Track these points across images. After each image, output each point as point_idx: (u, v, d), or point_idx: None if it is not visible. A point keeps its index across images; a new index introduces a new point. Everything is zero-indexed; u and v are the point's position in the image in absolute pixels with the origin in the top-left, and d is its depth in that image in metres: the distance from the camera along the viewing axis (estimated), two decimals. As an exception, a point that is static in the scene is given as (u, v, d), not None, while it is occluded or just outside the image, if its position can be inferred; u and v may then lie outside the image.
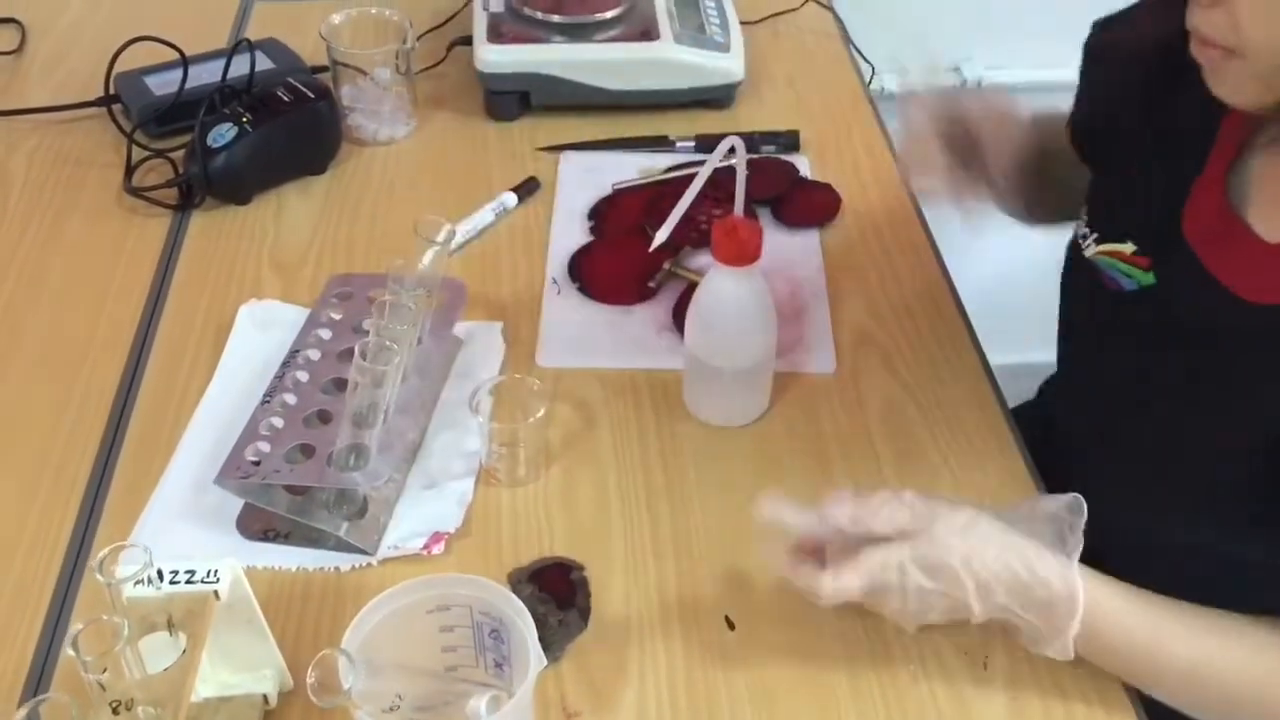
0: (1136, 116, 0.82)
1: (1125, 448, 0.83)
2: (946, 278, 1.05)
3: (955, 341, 0.98)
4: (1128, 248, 0.80)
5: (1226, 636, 0.72)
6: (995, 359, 0.97)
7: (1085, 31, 0.88)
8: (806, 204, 1.11)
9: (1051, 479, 0.88)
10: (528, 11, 1.20)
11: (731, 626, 0.77)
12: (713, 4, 1.27)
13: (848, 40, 1.36)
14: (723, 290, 0.85)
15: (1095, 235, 0.84)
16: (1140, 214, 0.80)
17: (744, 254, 0.83)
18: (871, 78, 1.43)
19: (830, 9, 1.39)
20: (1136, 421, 0.82)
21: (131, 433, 0.88)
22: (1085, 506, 0.70)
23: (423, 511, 0.82)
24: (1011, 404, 0.95)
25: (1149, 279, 0.79)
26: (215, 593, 0.63)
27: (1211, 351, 0.74)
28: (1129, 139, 0.83)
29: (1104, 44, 0.87)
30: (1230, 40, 0.66)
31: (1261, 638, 0.71)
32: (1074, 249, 0.87)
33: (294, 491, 0.80)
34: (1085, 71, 0.88)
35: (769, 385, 0.91)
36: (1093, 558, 0.70)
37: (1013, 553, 0.69)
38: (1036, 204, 0.95)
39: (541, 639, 0.65)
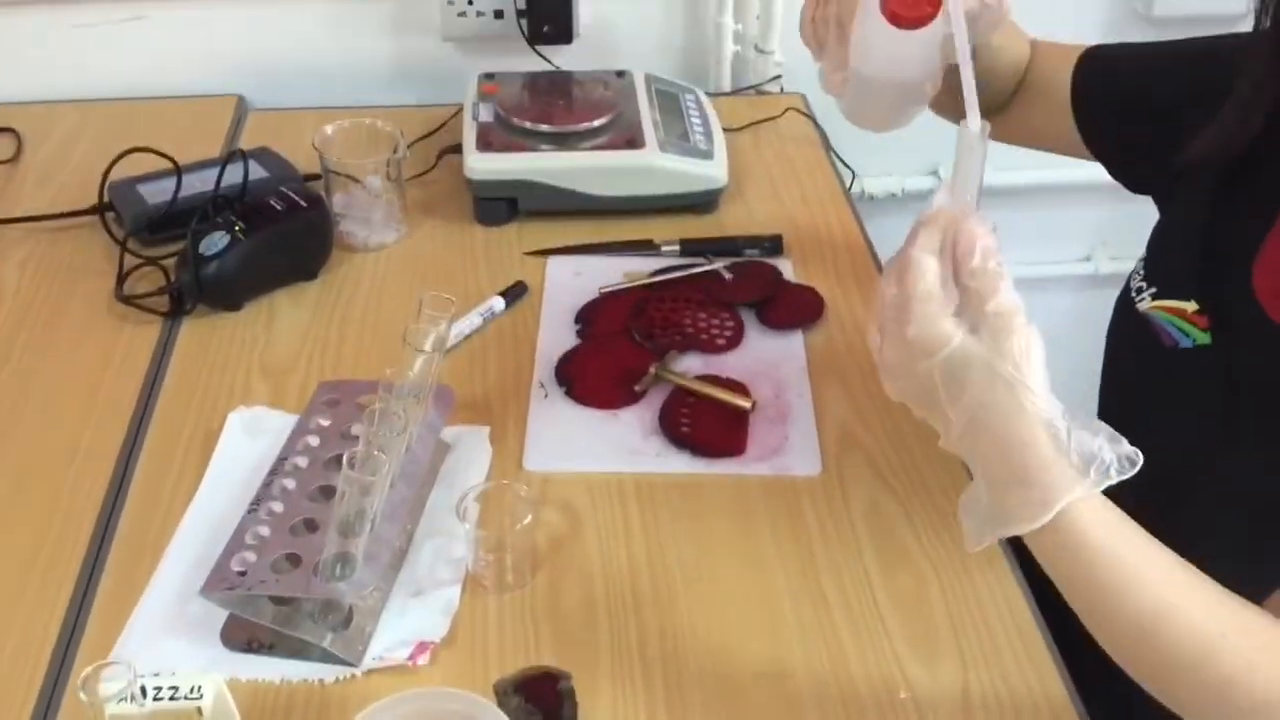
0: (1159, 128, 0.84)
1: (1180, 505, 0.80)
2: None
3: (938, 441, 0.99)
4: (1190, 305, 0.79)
5: (1203, 594, 0.64)
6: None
7: None
8: (790, 306, 1.13)
9: None
10: (516, 121, 1.23)
11: (720, 736, 0.76)
12: (696, 112, 1.30)
13: (828, 146, 1.39)
14: (895, 55, 0.80)
15: (1153, 290, 0.82)
16: (1207, 269, 0.79)
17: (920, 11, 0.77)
18: (852, 182, 1.46)
19: (810, 116, 1.43)
20: (1194, 476, 0.80)
21: (118, 541, 0.88)
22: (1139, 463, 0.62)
23: (408, 621, 0.82)
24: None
25: (1205, 339, 0.78)
26: (199, 709, 0.63)
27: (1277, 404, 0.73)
28: (1154, 148, 0.84)
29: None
30: None
31: (1239, 609, 0.64)
32: (1124, 303, 0.85)
33: (279, 602, 0.80)
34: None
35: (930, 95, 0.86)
36: None
37: (1033, 428, 0.61)
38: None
39: (528, 752, 0.64)
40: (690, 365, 1.06)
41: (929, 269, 0.63)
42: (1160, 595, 0.62)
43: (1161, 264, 0.85)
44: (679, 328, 1.10)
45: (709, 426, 0.99)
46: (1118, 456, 0.61)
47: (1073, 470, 0.61)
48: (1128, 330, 0.85)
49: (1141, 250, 0.88)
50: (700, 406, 1.01)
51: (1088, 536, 0.62)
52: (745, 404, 1.00)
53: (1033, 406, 0.61)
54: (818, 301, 1.13)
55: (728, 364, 1.06)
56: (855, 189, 1.50)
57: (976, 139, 0.66)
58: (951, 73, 0.76)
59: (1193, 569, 0.64)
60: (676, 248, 1.20)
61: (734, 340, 1.09)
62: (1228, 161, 0.78)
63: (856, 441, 0.99)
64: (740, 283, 1.15)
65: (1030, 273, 1.72)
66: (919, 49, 0.80)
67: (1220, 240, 0.80)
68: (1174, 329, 0.80)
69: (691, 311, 1.12)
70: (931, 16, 0.77)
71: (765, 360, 1.07)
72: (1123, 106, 0.92)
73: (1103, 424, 0.63)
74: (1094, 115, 0.93)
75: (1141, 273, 0.86)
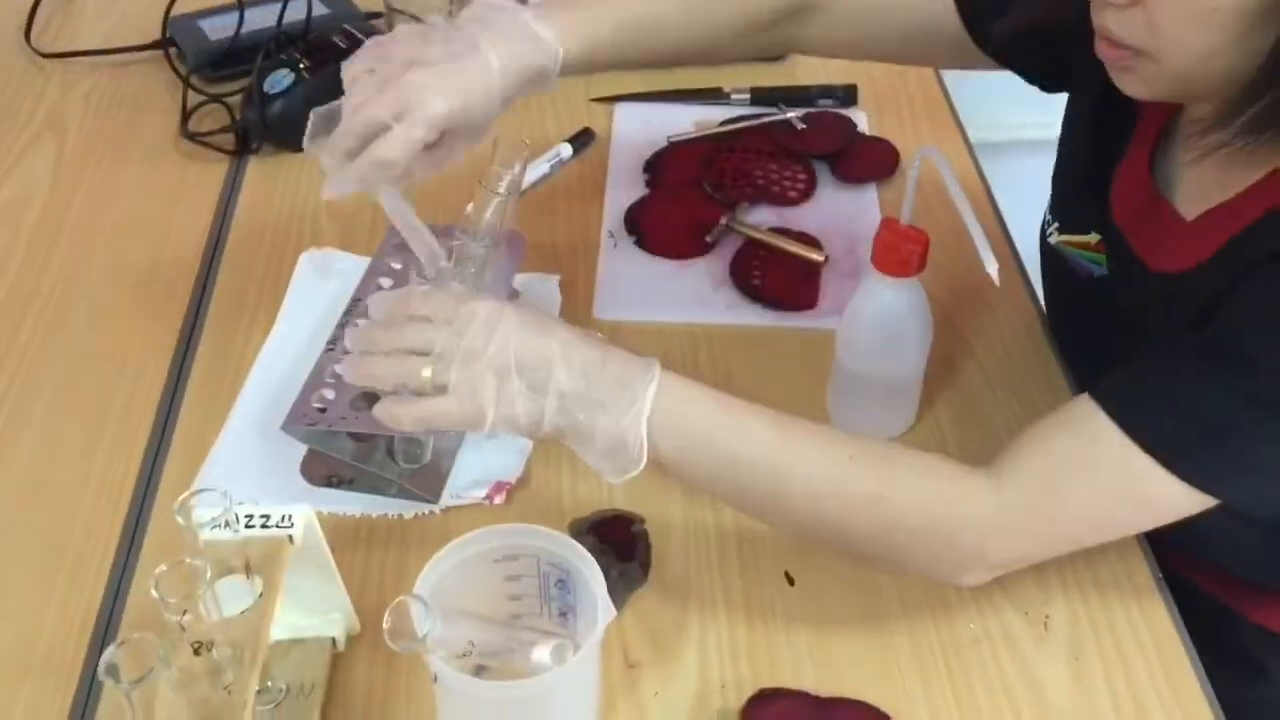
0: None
1: None
2: (1004, 231, 1.04)
3: (1014, 296, 0.98)
4: (1092, 238, 0.80)
5: (815, 436, 0.70)
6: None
7: None
8: (864, 159, 1.10)
9: None
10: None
11: (791, 582, 0.77)
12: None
13: (905, -8, 1.34)
14: (881, 302, 0.80)
15: (1056, 224, 0.84)
16: (1097, 201, 0.79)
17: (908, 265, 0.78)
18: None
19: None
20: None
21: (194, 379, 0.89)
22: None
23: (484, 461, 0.83)
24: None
25: (1105, 269, 0.79)
26: (290, 538, 0.64)
27: (1142, 331, 0.74)
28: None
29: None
30: (1143, 41, 0.65)
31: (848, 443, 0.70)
32: (1042, 236, 0.87)
33: (358, 439, 0.81)
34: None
35: (918, 396, 0.87)
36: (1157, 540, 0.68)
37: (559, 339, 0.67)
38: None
39: (604, 591, 0.65)
40: (761, 217, 1.04)
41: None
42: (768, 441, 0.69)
43: (1061, 199, 0.85)
44: (750, 179, 1.07)
45: (780, 279, 0.97)
46: None
47: (639, 360, 0.67)
48: (1050, 262, 0.87)
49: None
50: (772, 259, 0.99)
51: (684, 399, 0.68)
52: (818, 257, 0.98)
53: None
54: (893, 155, 1.10)
55: (800, 217, 1.04)
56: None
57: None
58: None
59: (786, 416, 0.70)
60: (747, 96, 1.17)
61: (806, 193, 1.07)
62: (1098, 88, 0.74)
63: (930, 296, 0.97)
64: (813, 134, 1.12)
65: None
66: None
67: (1104, 170, 0.79)
68: (1083, 260, 0.81)
69: (763, 163, 1.09)
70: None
71: (838, 214, 1.05)
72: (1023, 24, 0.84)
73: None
74: (999, 37, 0.86)
75: (1050, 205, 0.85)
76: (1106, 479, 0.66)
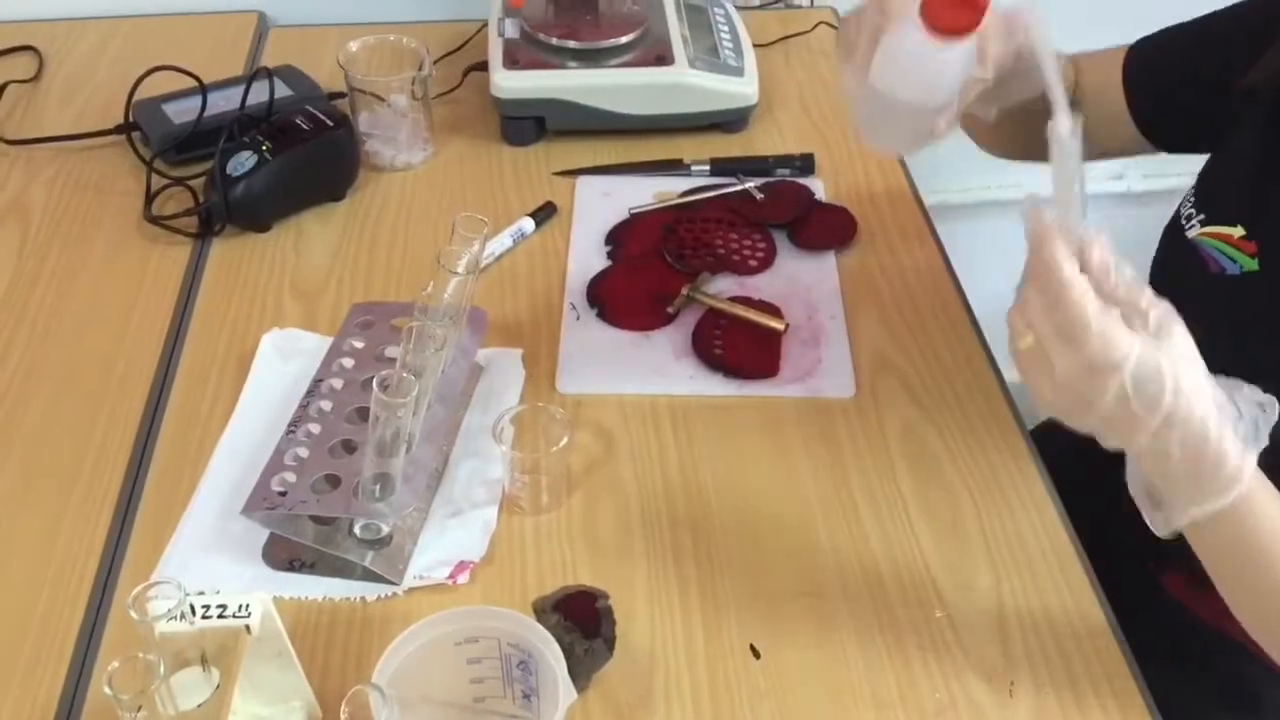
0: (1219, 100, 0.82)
1: None
2: (962, 298, 1.05)
3: (973, 363, 0.99)
4: (1237, 231, 0.79)
5: None
6: (1014, 376, 0.97)
7: None
8: (823, 227, 1.12)
9: (1087, 494, 0.87)
10: (543, 38, 1.21)
11: (757, 655, 0.77)
12: (725, 27, 1.28)
13: (860, 62, 1.36)
14: (928, 66, 0.75)
15: (1202, 216, 0.83)
16: (1257, 196, 0.79)
17: (960, 21, 0.72)
18: (883, 98, 1.44)
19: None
20: None
21: (156, 463, 0.89)
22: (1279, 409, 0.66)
23: (447, 540, 0.83)
24: (1032, 424, 0.95)
25: (1253, 265, 0.78)
26: (247, 627, 0.64)
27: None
28: (1216, 117, 0.82)
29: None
30: None
31: None
32: (1173, 231, 0.85)
33: (320, 521, 0.81)
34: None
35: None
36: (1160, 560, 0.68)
37: (1211, 410, 0.64)
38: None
39: (568, 668, 0.65)
40: (722, 286, 1.05)
41: (1087, 289, 0.63)
42: None
43: (1212, 192, 0.84)
44: (710, 249, 1.09)
45: (742, 348, 0.98)
46: (1261, 407, 0.65)
47: (1241, 440, 0.64)
48: (1175, 258, 0.85)
49: (1175, 172, 0.87)
50: (733, 328, 1.00)
51: (1258, 498, 0.65)
52: (778, 325, 1.00)
53: (1212, 394, 0.64)
54: (850, 222, 1.12)
55: (760, 285, 1.05)
56: (885, 106, 1.47)
57: (1069, 139, 0.65)
58: (1002, 90, 0.77)
59: None
60: (706, 167, 1.18)
61: (766, 261, 1.08)
62: (1273, 100, 0.77)
63: (890, 364, 0.98)
64: (771, 203, 1.14)
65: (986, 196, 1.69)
66: (943, 71, 0.75)
67: (1270, 169, 0.79)
68: (1222, 255, 0.80)
69: (723, 232, 1.11)
70: (974, 25, 0.72)
71: (798, 281, 1.06)
72: (1180, 91, 0.89)
73: (1233, 380, 0.65)
74: (1153, 112, 0.91)
75: (1192, 199, 0.85)
76: None
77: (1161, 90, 0.90)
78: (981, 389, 0.96)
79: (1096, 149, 0.96)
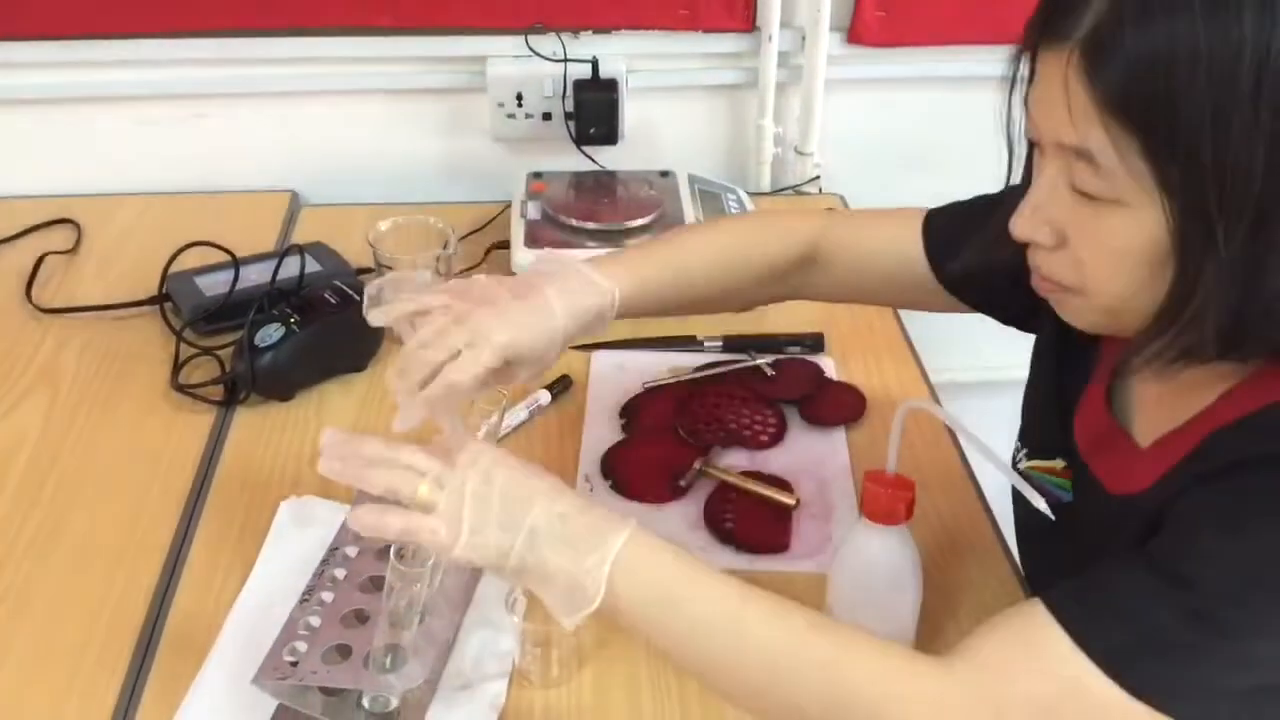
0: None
1: None
2: (968, 470, 1.06)
3: (977, 528, 0.99)
4: (1059, 463, 0.83)
5: (776, 604, 0.71)
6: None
7: None
8: (832, 404, 1.14)
9: None
10: (563, 219, 1.26)
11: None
12: (738, 211, 1.33)
13: (867, 245, 1.41)
14: (870, 550, 0.81)
15: (1025, 450, 0.87)
16: (1063, 428, 0.82)
17: (894, 512, 0.79)
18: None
19: (850, 215, 1.45)
20: None
21: (169, 628, 0.89)
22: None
23: (455, 714, 0.82)
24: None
25: (1069, 493, 0.81)
26: (253, 800, 0.63)
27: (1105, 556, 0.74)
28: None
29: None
30: (1072, 280, 0.70)
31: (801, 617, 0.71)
32: (1012, 463, 0.89)
33: (328, 692, 0.80)
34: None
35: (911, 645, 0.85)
36: None
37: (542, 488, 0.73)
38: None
39: None
40: (734, 461, 1.07)
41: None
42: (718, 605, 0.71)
43: (1029, 425, 0.89)
44: (722, 423, 1.11)
45: (753, 523, 0.99)
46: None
47: (618, 516, 0.72)
48: (1017, 491, 0.87)
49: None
50: (744, 503, 1.01)
51: (653, 551, 0.72)
52: (789, 501, 1.01)
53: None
54: (859, 399, 1.14)
55: (771, 460, 1.07)
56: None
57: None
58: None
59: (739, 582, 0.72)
60: (719, 343, 1.22)
61: (777, 437, 1.10)
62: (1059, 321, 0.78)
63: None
64: (782, 379, 1.17)
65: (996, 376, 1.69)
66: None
67: (1064, 400, 0.83)
68: (1052, 486, 0.83)
69: (735, 407, 1.13)
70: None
71: (808, 457, 1.08)
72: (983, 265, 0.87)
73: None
74: (961, 279, 0.93)
75: (1019, 434, 0.89)
76: (1055, 678, 0.66)
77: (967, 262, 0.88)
78: (989, 560, 0.96)
79: (902, 299, 1.05)
